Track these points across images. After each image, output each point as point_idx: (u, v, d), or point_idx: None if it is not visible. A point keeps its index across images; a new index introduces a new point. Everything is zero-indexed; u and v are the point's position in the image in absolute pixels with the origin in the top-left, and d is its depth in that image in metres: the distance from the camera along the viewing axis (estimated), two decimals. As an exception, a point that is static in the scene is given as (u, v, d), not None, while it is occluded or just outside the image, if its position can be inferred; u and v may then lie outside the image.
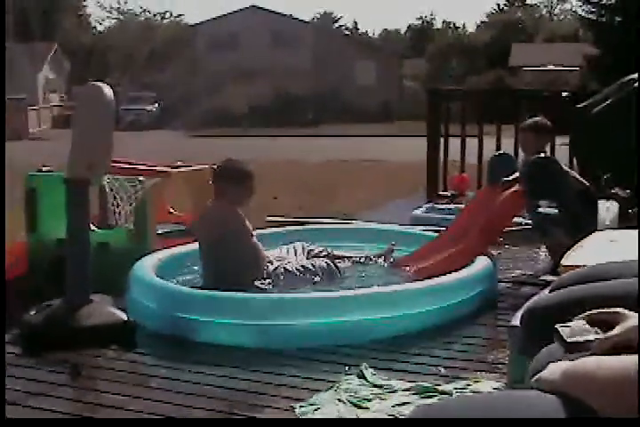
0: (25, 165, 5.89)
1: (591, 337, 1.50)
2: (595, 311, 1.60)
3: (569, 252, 3.19)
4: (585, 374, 1.32)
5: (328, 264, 4.91)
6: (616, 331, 1.51)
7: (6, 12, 43.94)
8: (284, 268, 4.79)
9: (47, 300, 4.04)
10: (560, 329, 1.54)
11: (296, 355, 3.62)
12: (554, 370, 1.40)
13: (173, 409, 3.01)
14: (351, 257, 5.31)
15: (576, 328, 1.54)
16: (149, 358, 3.71)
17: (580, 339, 1.51)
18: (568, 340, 1.51)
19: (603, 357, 1.37)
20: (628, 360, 1.27)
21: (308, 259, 5.02)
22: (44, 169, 5.26)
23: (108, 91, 3.97)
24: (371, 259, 5.37)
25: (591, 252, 3.13)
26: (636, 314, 1.54)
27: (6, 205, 5.80)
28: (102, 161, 4.06)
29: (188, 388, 3.25)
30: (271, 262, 4.82)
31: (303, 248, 5.17)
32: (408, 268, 5.14)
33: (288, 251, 5.11)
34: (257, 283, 4.63)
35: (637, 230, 2.97)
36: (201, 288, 4.35)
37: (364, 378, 3.27)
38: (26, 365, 3.56)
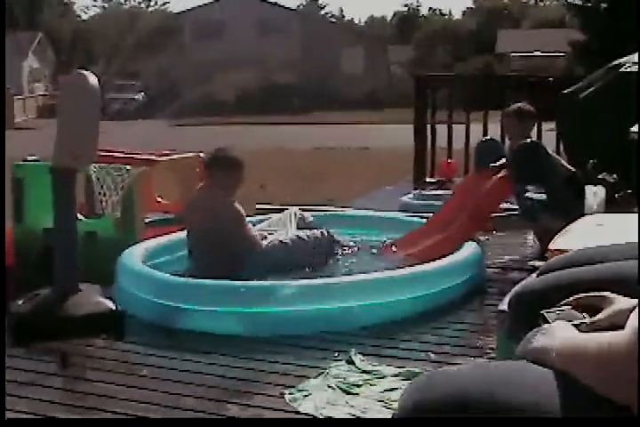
0: (11, 155, 5.86)
1: (577, 322, 1.50)
2: (581, 295, 1.60)
3: (556, 236, 3.20)
4: (576, 352, 1.33)
5: (323, 233, 4.96)
6: (601, 315, 1.51)
7: (-10, 1, 43.65)
8: (279, 240, 4.82)
9: (35, 289, 4.03)
10: (546, 315, 1.54)
11: (285, 342, 3.63)
12: (546, 345, 1.40)
13: (164, 397, 3.01)
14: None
15: (562, 313, 1.54)
16: (138, 346, 3.70)
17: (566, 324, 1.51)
18: (552, 324, 1.51)
19: (592, 334, 1.38)
20: (616, 335, 1.27)
21: (300, 229, 5.05)
22: (30, 159, 5.24)
23: (93, 79, 3.95)
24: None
25: (578, 236, 3.14)
26: (623, 298, 1.55)
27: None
28: (88, 150, 4.04)
29: (178, 376, 3.25)
30: (265, 237, 4.85)
31: (295, 214, 5.21)
32: (396, 254, 5.14)
33: (280, 219, 5.18)
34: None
35: (638, 216, 2.98)
36: (192, 276, 4.35)
37: (353, 364, 3.28)
38: (14, 354, 3.54)
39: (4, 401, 2.98)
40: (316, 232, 4.98)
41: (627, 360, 1.21)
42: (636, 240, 1.99)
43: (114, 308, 3.88)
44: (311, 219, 5.32)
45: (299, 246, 4.83)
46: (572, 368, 1.31)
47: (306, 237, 4.90)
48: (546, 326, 1.49)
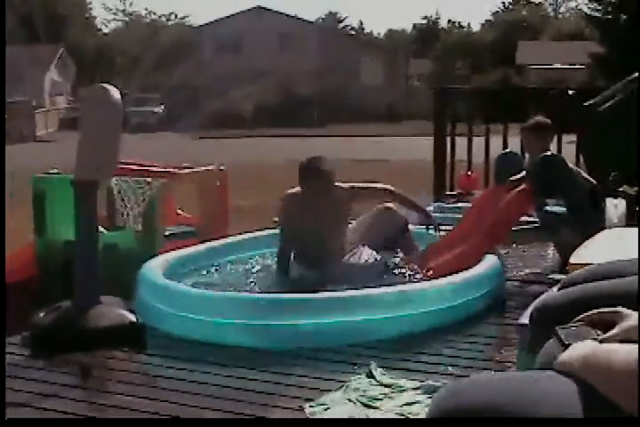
0: (33, 168, 5.91)
1: (590, 339, 1.49)
2: (595, 311, 1.59)
3: (577, 250, 3.19)
4: (600, 364, 1.33)
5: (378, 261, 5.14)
6: (614, 331, 1.50)
7: (11, 14, 44.06)
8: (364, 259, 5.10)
9: (56, 302, 4.05)
10: (559, 331, 1.53)
11: (305, 355, 3.63)
12: (573, 355, 1.40)
13: (183, 410, 3.02)
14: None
15: (575, 330, 1.53)
16: (159, 359, 3.71)
17: (579, 342, 1.50)
18: (566, 342, 1.50)
19: (619, 346, 1.37)
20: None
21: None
22: (51, 172, 5.27)
23: (114, 92, 3.98)
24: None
25: (599, 250, 3.13)
26: (636, 313, 1.53)
27: (13, 208, 5.82)
28: (110, 163, 4.07)
29: (197, 388, 3.26)
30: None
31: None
32: (416, 267, 5.13)
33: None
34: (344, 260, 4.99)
35: (638, 229, 2.97)
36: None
37: (374, 377, 3.27)
38: (36, 366, 3.57)
39: (4, 401, 2.99)
40: (371, 260, 5.12)
41: None
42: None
43: (135, 320, 3.89)
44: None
45: (364, 271, 4.97)
46: (594, 378, 1.31)
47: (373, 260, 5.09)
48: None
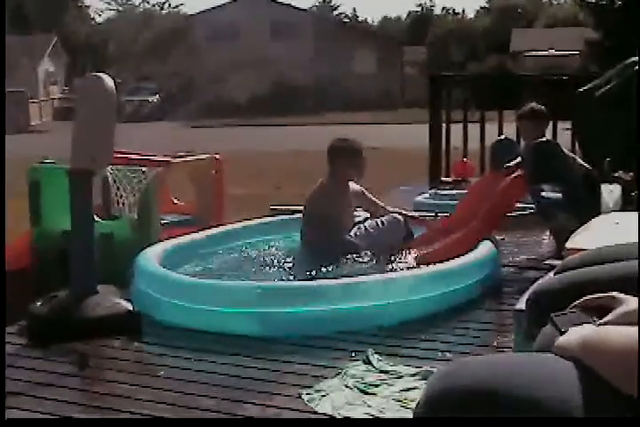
0: (27, 158, 5.89)
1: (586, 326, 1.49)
2: (590, 297, 1.59)
3: (573, 235, 3.19)
4: (598, 345, 1.33)
5: (397, 218, 5.27)
6: (610, 316, 1.50)
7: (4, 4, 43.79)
8: (363, 227, 5.20)
9: (53, 291, 4.05)
10: (555, 318, 1.53)
11: (301, 342, 3.63)
12: (572, 338, 1.40)
13: (180, 398, 3.02)
14: None
15: (571, 316, 1.53)
16: (155, 347, 3.72)
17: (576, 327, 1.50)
18: (562, 329, 1.50)
19: (616, 327, 1.38)
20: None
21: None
22: (46, 161, 5.26)
23: (109, 81, 3.97)
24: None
25: (595, 235, 3.13)
26: (632, 298, 1.53)
27: (8, 198, 5.81)
28: (105, 152, 4.06)
29: (194, 376, 3.26)
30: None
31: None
32: (412, 253, 5.14)
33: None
34: (347, 237, 5.07)
35: (638, 215, 2.97)
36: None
37: (371, 364, 3.28)
38: (32, 355, 3.57)
39: (3, 401, 3.00)
40: (391, 218, 5.25)
41: None
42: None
43: (131, 309, 3.89)
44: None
45: (378, 232, 5.14)
46: (593, 360, 1.31)
47: (381, 224, 5.20)
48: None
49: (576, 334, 1.41)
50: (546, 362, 1.40)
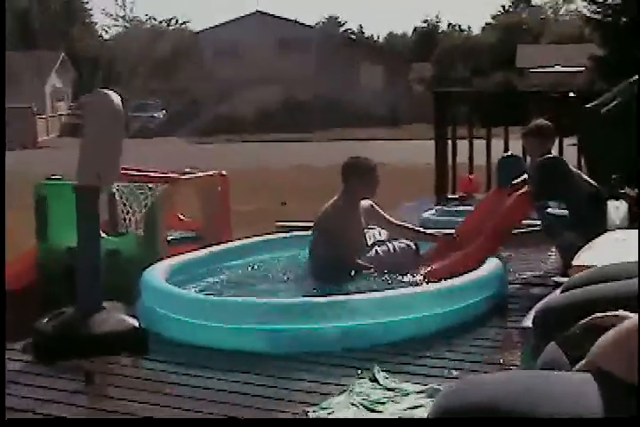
0: (34, 174, 5.91)
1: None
2: (596, 315, 1.59)
3: (579, 252, 3.19)
4: (601, 342, 1.35)
5: (409, 245, 5.29)
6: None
7: (12, 19, 44.15)
8: (375, 250, 5.21)
9: (59, 308, 4.05)
10: (562, 342, 1.53)
11: (308, 360, 3.62)
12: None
13: (187, 415, 3.02)
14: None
15: (578, 338, 1.53)
16: (161, 364, 3.71)
17: (582, 353, 1.50)
18: (569, 352, 1.51)
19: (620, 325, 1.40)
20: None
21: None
22: (53, 178, 5.28)
23: (115, 98, 3.98)
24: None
25: (602, 252, 3.12)
26: (636, 316, 1.54)
27: (15, 213, 5.82)
28: (112, 168, 4.07)
29: (201, 394, 3.26)
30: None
31: (380, 233, 5.62)
32: (419, 270, 5.13)
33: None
34: (360, 261, 5.06)
35: (638, 233, 2.96)
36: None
37: (377, 381, 3.27)
38: (38, 372, 3.57)
39: (3, 401, 2.99)
40: (404, 245, 5.29)
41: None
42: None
43: (137, 325, 3.89)
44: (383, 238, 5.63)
45: (389, 257, 5.17)
46: (597, 357, 1.33)
47: (393, 250, 5.23)
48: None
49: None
50: (553, 380, 1.40)
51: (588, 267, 2.53)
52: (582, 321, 1.59)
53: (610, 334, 1.37)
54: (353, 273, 4.97)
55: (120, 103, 4.01)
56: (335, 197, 5.24)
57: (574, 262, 3.04)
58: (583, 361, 1.44)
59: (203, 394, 3.25)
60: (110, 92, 4.03)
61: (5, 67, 21.90)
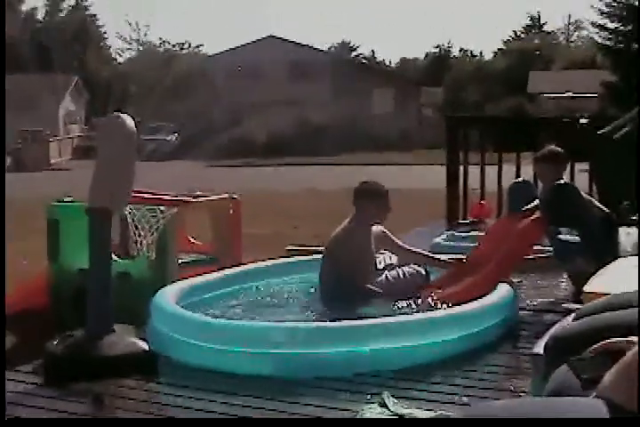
0: (46, 196, 5.94)
1: (605, 371, 1.49)
2: (608, 341, 1.59)
3: (592, 279, 3.18)
4: (607, 376, 1.35)
5: (419, 271, 5.28)
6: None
7: (27, 42, 44.58)
8: (385, 275, 5.21)
9: (69, 330, 4.05)
10: (575, 364, 1.53)
11: (317, 384, 3.61)
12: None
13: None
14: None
15: (590, 361, 1.53)
16: (170, 387, 3.70)
17: (596, 374, 1.50)
18: (583, 377, 1.50)
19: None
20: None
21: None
22: (66, 199, 5.30)
23: (129, 121, 4.02)
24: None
25: (614, 279, 3.11)
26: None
27: (27, 235, 5.84)
28: (124, 191, 4.09)
29: (206, 417, 3.24)
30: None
31: (390, 257, 5.57)
32: (429, 296, 5.11)
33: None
34: (370, 286, 5.04)
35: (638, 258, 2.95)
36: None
37: (386, 407, 3.25)
38: (47, 395, 3.57)
39: (4, 401, 2.99)
40: (413, 271, 5.26)
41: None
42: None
43: (147, 349, 3.89)
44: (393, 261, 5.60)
45: (399, 283, 5.17)
46: (602, 386, 1.33)
47: (403, 275, 5.23)
48: None
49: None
50: (564, 407, 1.40)
51: (601, 293, 2.52)
52: (595, 346, 1.59)
53: (615, 367, 1.38)
54: (363, 298, 4.95)
55: (133, 126, 4.04)
56: (346, 222, 5.24)
57: (586, 289, 3.04)
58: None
59: (208, 417, 3.23)
60: (124, 116, 4.06)
61: (5, 65, 22.03)
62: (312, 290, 5.25)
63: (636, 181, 5.08)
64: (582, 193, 5.47)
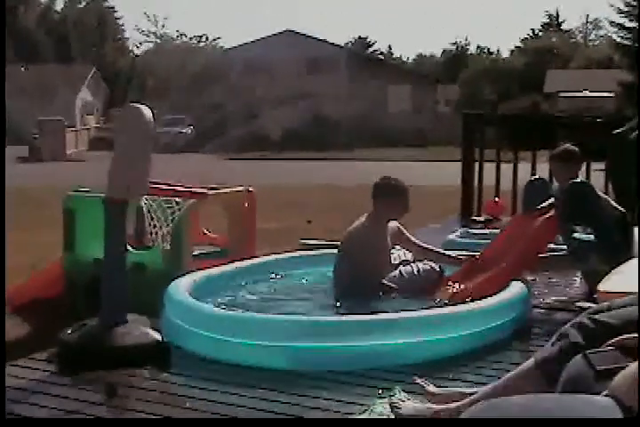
0: (62, 186, 5.97)
1: (622, 364, 1.49)
2: (626, 336, 1.60)
3: (606, 278, 3.17)
4: (620, 375, 1.36)
5: (433, 268, 5.26)
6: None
7: (46, 33, 44.71)
8: (400, 270, 5.20)
9: (83, 319, 4.08)
10: (590, 356, 1.53)
11: (329, 378, 3.62)
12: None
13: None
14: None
15: (606, 355, 1.53)
16: (182, 378, 3.72)
17: (610, 366, 1.50)
18: (597, 368, 1.50)
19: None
20: None
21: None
22: (82, 190, 5.33)
23: (147, 112, 4.03)
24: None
25: (628, 278, 3.11)
26: None
27: (43, 224, 5.88)
28: (141, 182, 4.10)
29: (218, 409, 3.26)
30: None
31: (405, 254, 5.56)
32: (442, 292, 5.12)
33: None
34: (384, 281, 5.06)
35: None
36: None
37: (397, 402, 3.25)
38: (61, 383, 3.60)
39: (4, 401, 3.01)
40: (428, 267, 5.24)
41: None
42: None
43: (160, 339, 3.91)
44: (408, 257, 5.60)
45: (413, 278, 5.16)
46: (615, 389, 1.34)
47: (417, 271, 5.21)
48: None
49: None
50: (576, 404, 1.40)
51: (615, 293, 2.52)
52: (612, 341, 1.60)
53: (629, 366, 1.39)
54: (377, 293, 4.96)
55: (151, 118, 4.05)
56: (363, 217, 5.23)
57: (601, 288, 3.04)
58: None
59: (221, 409, 3.25)
60: (142, 107, 4.07)
61: (5, 64, 22.13)
62: (326, 284, 5.26)
63: (637, 180, 5.06)
64: (598, 192, 5.45)
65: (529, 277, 5.36)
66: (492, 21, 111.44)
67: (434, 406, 1.88)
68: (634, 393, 1.33)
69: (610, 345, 1.59)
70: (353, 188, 15.12)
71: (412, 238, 5.51)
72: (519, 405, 1.44)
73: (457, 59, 62.80)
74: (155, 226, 5.08)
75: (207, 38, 59.81)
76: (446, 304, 4.74)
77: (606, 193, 6.58)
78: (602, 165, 7.52)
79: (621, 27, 35.33)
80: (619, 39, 36.05)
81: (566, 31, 65.21)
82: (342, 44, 54.86)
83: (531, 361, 1.81)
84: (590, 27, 66.52)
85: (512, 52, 63.03)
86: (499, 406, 1.47)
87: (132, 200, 4.17)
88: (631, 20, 35.17)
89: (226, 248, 5.99)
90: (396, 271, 5.19)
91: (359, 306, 4.71)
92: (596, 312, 2.26)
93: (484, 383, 3.56)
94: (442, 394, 2.59)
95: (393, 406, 2.81)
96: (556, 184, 6.17)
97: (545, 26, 65.19)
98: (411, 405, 1.86)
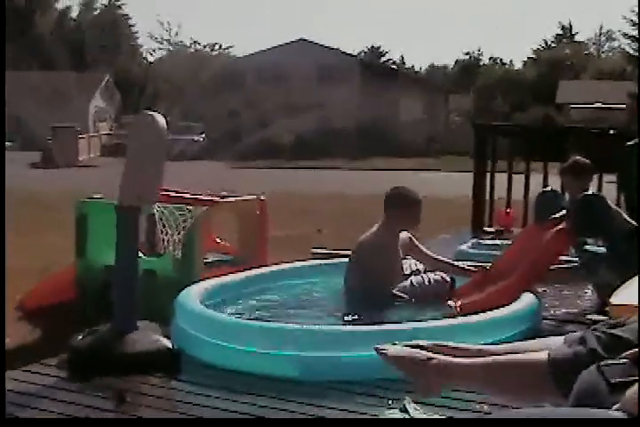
0: (74, 192, 6.00)
1: (637, 377, 1.49)
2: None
3: (618, 290, 3.17)
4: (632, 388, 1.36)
5: (443, 278, 5.23)
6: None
7: (61, 41, 44.93)
8: (410, 280, 5.18)
9: (94, 325, 4.09)
10: (604, 368, 1.53)
11: (338, 387, 3.62)
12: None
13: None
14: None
15: (621, 367, 1.53)
16: (192, 386, 3.72)
17: (625, 379, 1.50)
18: (612, 380, 1.50)
19: None
20: None
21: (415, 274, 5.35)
22: (95, 196, 5.35)
23: (161, 120, 4.05)
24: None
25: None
26: None
27: (55, 230, 5.90)
28: (152, 189, 4.12)
29: (225, 417, 3.26)
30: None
31: (415, 264, 5.51)
32: (452, 303, 5.11)
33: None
34: (395, 291, 5.06)
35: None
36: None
37: (407, 413, 3.25)
38: (71, 389, 3.60)
39: (4, 401, 3.01)
40: (438, 277, 5.23)
41: None
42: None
43: (170, 346, 3.91)
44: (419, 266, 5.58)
45: (423, 289, 5.14)
46: (626, 403, 1.33)
47: (428, 282, 5.18)
48: None
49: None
50: (586, 416, 1.40)
51: (626, 305, 2.51)
52: (628, 352, 1.59)
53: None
54: (388, 303, 4.96)
55: (165, 125, 4.07)
56: (375, 227, 5.22)
57: (612, 301, 3.03)
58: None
59: (226, 417, 3.25)
60: (155, 114, 4.09)
61: (5, 63, 22.23)
62: (337, 293, 5.26)
63: (637, 190, 5.04)
64: (610, 204, 5.44)
65: (540, 289, 5.35)
66: (504, 32, 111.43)
67: (430, 354, 1.84)
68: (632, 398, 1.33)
69: (624, 358, 1.59)
70: (364, 197, 15.13)
71: (424, 249, 5.50)
72: (527, 417, 1.45)
73: (470, 69, 62.80)
74: (166, 233, 5.10)
75: (220, 46, 60.04)
76: (455, 315, 4.73)
77: (618, 205, 6.57)
78: (614, 177, 7.51)
79: (635, 39, 35.29)
80: (631, 51, 35.98)
81: (579, 42, 65.16)
82: (355, 54, 54.97)
83: (543, 356, 1.79)
84: (603, 38, 66.46)
85: (525, 62, 63.02)
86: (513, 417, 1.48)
87: (144, 207, 4.18)
88: (644, 32, 35.17)
89: (238, 256, 6.00)
90: (407, 281, 5.19)
91: (370, 315, 4.71)
92: (613, 327, 2.26)
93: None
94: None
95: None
96: (567, 195, 6.16)
97: (558, 37, 65.15)
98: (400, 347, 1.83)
